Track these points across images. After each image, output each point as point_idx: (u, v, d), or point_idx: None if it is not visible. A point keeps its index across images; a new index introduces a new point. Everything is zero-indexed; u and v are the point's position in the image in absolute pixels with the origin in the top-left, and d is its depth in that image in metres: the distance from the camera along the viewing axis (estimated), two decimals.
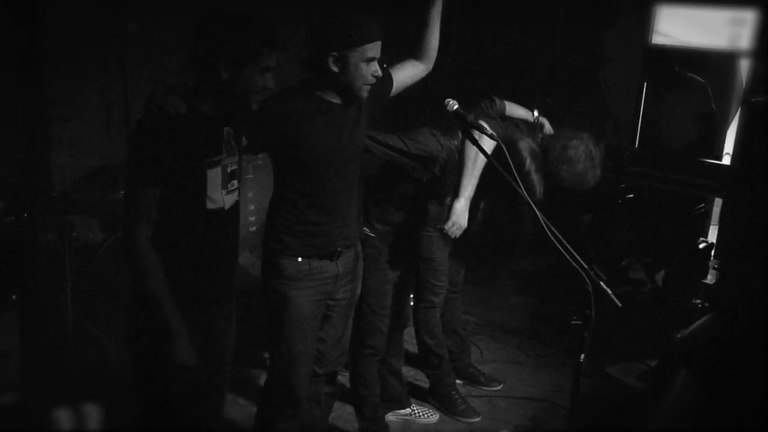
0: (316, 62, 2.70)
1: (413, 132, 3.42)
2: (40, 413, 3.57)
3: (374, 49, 2.68)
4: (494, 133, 2.82)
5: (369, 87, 2.74)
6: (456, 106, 2.83)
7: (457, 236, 3.42)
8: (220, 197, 2.49)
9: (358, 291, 3.18)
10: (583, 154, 3.47)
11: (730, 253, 4.24)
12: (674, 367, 3.97)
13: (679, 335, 4.32)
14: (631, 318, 4.50)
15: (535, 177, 3.37)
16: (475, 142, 2.82)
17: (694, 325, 4.26)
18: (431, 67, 3.12)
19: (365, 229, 3.43)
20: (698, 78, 5.35)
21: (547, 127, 3.76)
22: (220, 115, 2.46)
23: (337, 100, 2.78)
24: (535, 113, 3.76)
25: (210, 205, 2.46)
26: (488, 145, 2.83)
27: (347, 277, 3.01)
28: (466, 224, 3.39)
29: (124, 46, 4.92)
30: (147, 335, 2.48)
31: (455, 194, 3.37)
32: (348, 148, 2.85)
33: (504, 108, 3.71)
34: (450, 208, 3.38)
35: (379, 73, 2.73)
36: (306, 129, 2.72)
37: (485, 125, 2.77)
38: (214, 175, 2.45)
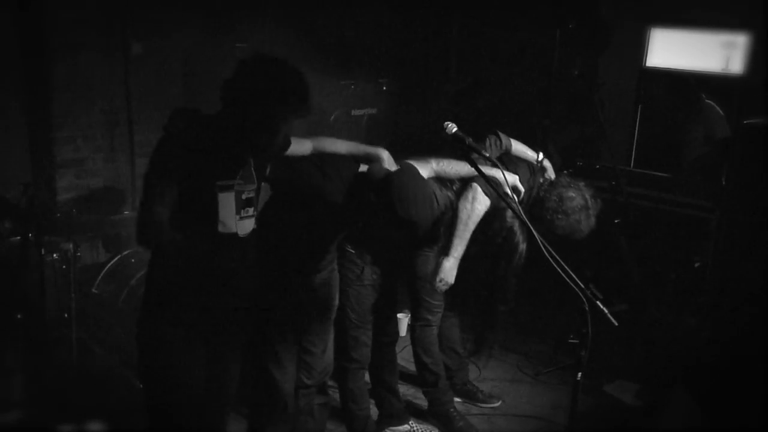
0: None
1: None
2: (45, 431, 3.61)
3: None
4: (491, 156, 2.90)
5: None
6: (455, 129, 2.90)
7: (443, 291, 3.58)
8: (233, 222, 2.52)
9: (336, 300, 3.27)
10: (579, 206, 3.51)
11: (724, 273, 4.29)
12: (670, 386, 4.02)
13: (674, 354, 4.37)
14: (628, 336, 4.56)
15: (523, 246, 3.47)
16: (474, 165, 2.90)
17: (690, 345, 4.32)
18: None
19: (346, 245, 3.48)
20: (716, 106, 5.42)
21: (550, 171, 3.79)
22: (238, 150, 2.51)
23: None
24: (540, 156, 3.79)
25: (221, 229, 2.50)
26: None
27: (323, 288, 3.13)
28: (452, 281, 3.51)
29: (128, 69, 5.00)
30: (155, 351, 2.54)
31: (445, 252, 3.48)
32: (348, 213, 2.98)
33: (510, 145, 3.74)
34: (439, 264, 3.50)
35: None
36: (320, 199, 2.85)
37: (483, 150, 2.85)
38: (226, 199, 2.48)
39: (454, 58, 6.68)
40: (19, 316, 3.88)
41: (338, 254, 3.41)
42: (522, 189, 3.46)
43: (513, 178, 3.41)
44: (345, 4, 6.00)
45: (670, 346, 4.51)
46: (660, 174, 5.20)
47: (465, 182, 3.46)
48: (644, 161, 5.66)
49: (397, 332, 3.96)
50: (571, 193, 3.52)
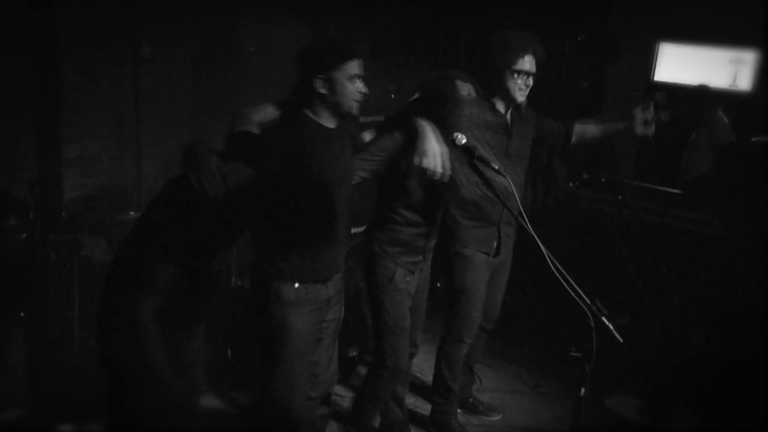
0: (305, 87, 2.81)
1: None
2: (45, 429, 3.61)
3: (356, 66, 2.81)
4: (501, 169, 2.90)
5: (358, 104, 2.86)
6: (464, 140, 2.91)
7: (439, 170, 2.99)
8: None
9: (342, 311, 3.21)
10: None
11: (728, 288, 4.29)
12: (672, 402, 4.01)
13: (677, 370, 4.36)
14: (630, 350, 4.54)
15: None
16: (482, 176, 2.89)
17: (692, 360, 4.31)
18: None
19: (375, 249, 3.39)
20: (723, 116, 5.43)
21: None
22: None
23: (331, 125, 2.87)
24: None
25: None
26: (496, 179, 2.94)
27: (335, 297, 3.07)
28: (444, 149, 3.02)
29: (137, 70, 5.01)
30: (120, 348, 2.66)
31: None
32: (343, 174, 2.93)
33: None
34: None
35: (364, 89, 2.85)
36: (305, 156, 2.77)
37: (492, 163, 2.86)
38: None
39: (462, 67, 6.69)
40: (22, 314, 3.88)
41: (367, 259, 3.39)
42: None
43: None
44: (352, 7, 6.01)
45: (673, 361, 4.50)
46: (665, 189, 5.20)
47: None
48: (650, 175, 5.66)
49: (417, 345, 3.83)
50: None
